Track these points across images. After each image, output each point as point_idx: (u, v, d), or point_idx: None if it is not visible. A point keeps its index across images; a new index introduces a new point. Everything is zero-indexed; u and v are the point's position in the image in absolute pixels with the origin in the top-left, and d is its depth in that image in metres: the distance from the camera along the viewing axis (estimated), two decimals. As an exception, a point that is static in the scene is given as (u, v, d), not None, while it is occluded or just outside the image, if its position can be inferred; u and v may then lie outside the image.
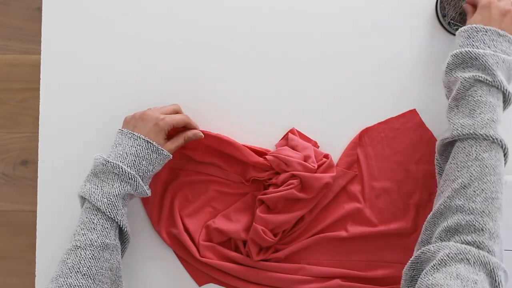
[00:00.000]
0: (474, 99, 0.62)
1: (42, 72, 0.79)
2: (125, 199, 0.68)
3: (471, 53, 0.63)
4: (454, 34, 0.77)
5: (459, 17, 0.78)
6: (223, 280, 0.76)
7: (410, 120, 0.78)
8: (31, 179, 1.47)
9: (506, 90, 0.63)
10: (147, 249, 0.77)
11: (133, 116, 0.72)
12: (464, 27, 0.67)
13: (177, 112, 0.74)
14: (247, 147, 0.75)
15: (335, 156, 0.78)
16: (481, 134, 0.60)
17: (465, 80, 0.63)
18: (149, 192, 0.70)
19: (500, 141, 0.60)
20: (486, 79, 0.62)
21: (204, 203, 0.77)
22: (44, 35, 0.80)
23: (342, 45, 0.79)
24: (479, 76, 0.62)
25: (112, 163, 0.66)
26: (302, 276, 0.75)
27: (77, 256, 0.63)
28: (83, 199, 0.68)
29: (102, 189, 0.66)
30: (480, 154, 0.59)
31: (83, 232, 0.64)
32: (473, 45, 0.64)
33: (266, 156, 0.74)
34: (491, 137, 0.59)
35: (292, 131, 0.78)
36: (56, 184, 0.78)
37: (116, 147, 0.69)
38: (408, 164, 0.78)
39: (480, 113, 0.61)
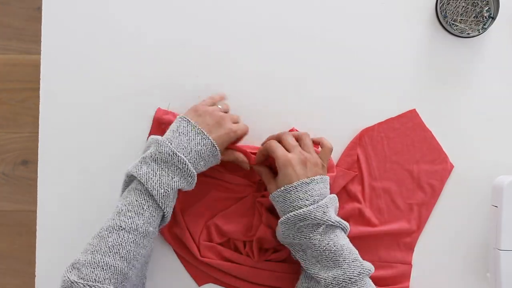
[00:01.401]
0: (332, 249, 0.65)
1: (42, 72, 0.79)
2: (176, 192, 0.68)
3: (299, 215, 0.65)
4: (455, 35, 0.77)
5: (459, 18, 0.78)
6: (223, 280, 0.76)
7: (410, 120, 0.79)
8: (31, 179, 1.48)
9: (343, 224, 0.68)
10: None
11: (212, 111, 0.71)
12: (274, 193, 0.68)
13: (240, 121, 0.75)
14: (246, 147, 0.75)
15: (335, 156, 0.78)
16: (353, 276, 0.64)
17: (314, 238, 0.66)
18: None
19: (369, 270, 0.67)
20: (331, 225, 0.66)
21: (205, 204, 0.77)
22: (44, 35, 0.80)
23: (342, 45, 0.79)
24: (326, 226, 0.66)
25: (179, 158, 0.65)
26: (302, 276, 0.75)
27: (119, 237, 0.62)
28: (131, 178, 0.67)
29: (160, 178, 0.65)
30: None
31: (130, 215, 0.64)
32: (294, 206, 0.66)
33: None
34: (365, 273, 0.66)
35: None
36: (56, 184, 0.78)
37: (179, 135, 0.68)
38: (408, 164, 0.78)
39: (343, 260, 0.65)
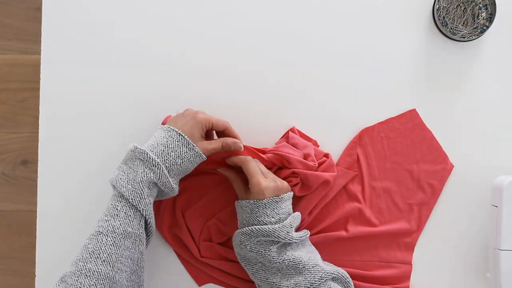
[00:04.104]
0: (291, 259, 0.67)
1: (42, 72, 0.79)
2: (150, 188, 0.66)
3: (263, 230, 0.67)
4: (454, 39, 0.77)
5: (456, 23, 0.78)
6: (223, 280, 0.76)
7: (410, 120, 0.79)
8: (31, 179, 1.48)
9: (298, 238, 0.69)
10: (147, 248, 0.77)
11: (176, 115, 0.72)
12: (243, 202, 0.69)
13: (225, 126, 0.73)
14: (252, 148, 0.75)
15: (335, 156, 0.78)
16: (315, 281, 0.66)
17: (273, 251, 0.67)
18: (176, 190, 0.69)
19: (333, 273, 0.68)
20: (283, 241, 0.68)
21: (205, 204, 0.77)
22: (44, 35, 0.80)
23: (343, 45, 0.79)
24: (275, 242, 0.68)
25: (139, 149, 0.66)
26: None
27: (98, 242, 0.63)
28: (113, 187, 0.68)
29: (128, 175, 0.66)
30: None
31: (106, 219, 0.64)
32: (259, 221, 0.68)
33: (267, 155, 0.74)
34: (327, 277, 0.67)
35: (292, 129, 0.78)
36: (56, 184, 0.78)
37: (150, 140, 0.69)
38: (408, 164, 0.78)
39: (303, 266, 0.67)
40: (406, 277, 0.77)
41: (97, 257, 0.62)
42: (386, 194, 0.78)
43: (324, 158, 0.75)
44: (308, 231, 0.72)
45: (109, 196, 0.78)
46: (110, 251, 0.62)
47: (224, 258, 0.75)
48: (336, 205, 0.77)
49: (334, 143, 0.76)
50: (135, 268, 0.65)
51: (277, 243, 0.68)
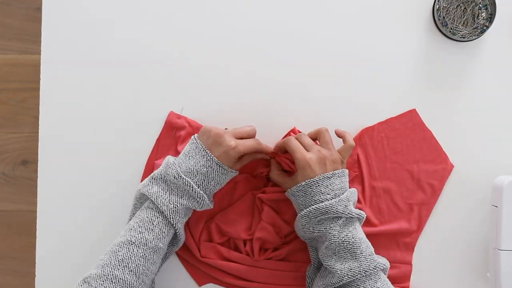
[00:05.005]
0: (350, 241, 0.66)
1: (42, 72, 0.79)
2: (188, 209, 0.70)
3: (321, 209, 0.66)
4: (454, 39, 0.77)
5: (456, 23, 0.78)
6: (223, 280, 0.76)
7: (410, 120, 0.79)
8: (31, 179, 1.48)
9: (362, 215, 0.69)
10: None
11: (210, 130, 0.70)
12: (294, 188, 0.68)
13: (250, 136, 0.73)
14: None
15: (335, 156, 0.78)
16: (369, 270, 0.65)
17: (334, 229, 0.67)
18: (211, 205, 0.71)
19: (384, 265, 0.67)
20: (348, 216, 0.67)
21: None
22: (44, 35, 0.80)
23: (343, 45, 0.79)
24: (346, 218, 0.67)
25: (184, 180, 0.67)
26: (302, 274, 0.75)
27: (129, 251, 0.64)
28: (143, 197, 0.69)
29: (170, 196, 0.67)
30: (374, 286, 0.65)
31: (140, 230, 0.65)
32: (315, 200, 0.67)
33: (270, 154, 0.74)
34: (380, 267, 0.66)
35: (293, 130, 0.78)
36: (56, 184, 0.78)
37: (188, 159, 0.69)
38: (408, 164, 0.78)
39: (361, 252, 0.66)
40: (406, 277, 0.77)
41: (126, 266, 0.63)
42: (386, 194, 0.78)
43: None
44: (364, 213, 0.70)
45: (109, 196, 0.78)
46: (139, 262, 0.64)
47: (224, 258, 0.75)
48: (336, 205, 0.77)
49: (334, 143, 0.75)
50: (150, 283, 0.67)
51: (338, 219, 0.67)
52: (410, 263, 0.78)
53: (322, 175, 0.67)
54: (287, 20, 0.79)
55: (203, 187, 0.68)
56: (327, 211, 0.66)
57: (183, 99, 0.79)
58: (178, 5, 0.80)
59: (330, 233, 0.66)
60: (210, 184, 0.69)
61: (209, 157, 0.68)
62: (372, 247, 0.68)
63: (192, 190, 0.67)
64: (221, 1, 0.79)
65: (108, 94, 0.79)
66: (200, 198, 0.68)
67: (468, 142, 0.79)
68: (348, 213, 0.66)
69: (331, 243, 0.66)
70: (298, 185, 0.68)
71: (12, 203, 1.46)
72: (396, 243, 0.78)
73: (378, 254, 0.71)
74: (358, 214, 0.68)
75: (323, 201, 0.66)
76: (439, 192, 0.78)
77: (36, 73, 0.80)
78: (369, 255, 0.66)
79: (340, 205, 0.66)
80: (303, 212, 0.68)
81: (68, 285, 0.64)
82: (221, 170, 0.69)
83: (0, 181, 1.47)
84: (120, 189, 0.77)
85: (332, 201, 0.66)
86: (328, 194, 0.67)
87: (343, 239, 0.66)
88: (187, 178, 0.67)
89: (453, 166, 0.78)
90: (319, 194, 0.67)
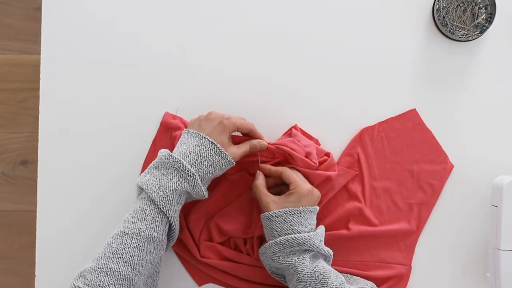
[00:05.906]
0: (321, 271, 0.67)
1: (42, 72, 0.79)
2: (181, 196, 0.68)
3: (298, 239, 0.67)
4: (454, 39, 0.77)
5: (459, 22, 0.78)
6: (223, 280, 0.76)
7: (410, 120, 0.79)
8: (31, 179, 1.48)
9: (330, 253, 0.71)
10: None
11: (198, 117, 0.72)
12: (276, 211, 0.68)
13: (249, 128, 0.73)
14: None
15: (335, 155, 0.78)
16: None
17: (305, 261, 0.67)
18: (206, 194, 0.70)
19: None
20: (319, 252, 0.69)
21: (205, 203, 0.77)
22: (44, 35, 0.80)
23: (343, 45, 0.79)
24: (309, 252, 0.68)
25: (174, 158, 0.66)
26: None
27: (122, 242, 0.63)
28: (140, 189, 0.69)
29: (160, 182, 0.66)
30: None
31: (133, 220, 0.65)
32: (293, 230, 0.68)
33: (270, 146, 0.73)
34: None
35: (295, 127, 0.78)
36: (56, 184, 0.78)
37: (180, 146, 0.69)
38: (408, 164, 0.78)
39: (332, 283, 0.67)
40: (406, 277, 0.77)
41: (120, 257, 0.62)
42: (386, 193, 0.78)
43: (325, 157, 0.76)
44: (332, 251, 0.72)
45: (108, 196, 0.78)
46: (133, 253, 0.63)
47: (224, 258, 0.75)
48: (337, 204, 0.77)
49: (334, 142, 0.76)
50: (152, 272, 0.66)
51: (309, 252, 0.68)
52: (409, 264, 0.77)
53: (306, 207, 0.69)
54: (286, 20, 0.79)
55: (196, 166, 0.67)
56: (304, 243, 0.67)
57: (183, 99, 0.78)
58: (178, 6, 0.79)
59: (302, 263, 0.67)
60: (203, 165, 0.67)
61: (200, 136, 0.68)
62: (341, 277, 0.69)
63: (183, 167, 0.66)
64: (220, 2, 0.79)
65: (108, 94, 0.79)
66: (191, 176, 0.66)
67: (468, 142, 0.79)
68: (322, 248, 0.69)
69: (303, 275, 0.67)
70: (280, 210, 0.68)
71: (12, 203, 1.46)
72: (396, 244, 0.78)
73: (373, 262, 0.73)
74: (327, 252, 0.70)
75: (299, 232, 0.68)
76: (439, 192, 0.78)
77: (36, 73, 0.80)
78: (340, 284, 0.67)
79: (317, 239, 0.68)
80: (279, 239, 0.68)
81: (68, 285, 0.64)
82: (214, 148, 0.68)
83: (0, 181, 1.47)
84: (120, 189, 0.78)
85: (311, 233, 0.68)
86: (305, 226, 0.68)
87: (314, 269, 0.67)
88: (176, 156, 0.67)
89: (453, 166, 0.78)
90: (298, 224, 0.68)
